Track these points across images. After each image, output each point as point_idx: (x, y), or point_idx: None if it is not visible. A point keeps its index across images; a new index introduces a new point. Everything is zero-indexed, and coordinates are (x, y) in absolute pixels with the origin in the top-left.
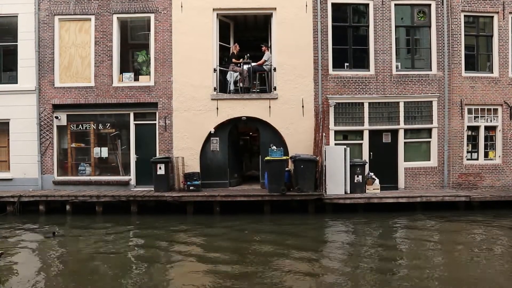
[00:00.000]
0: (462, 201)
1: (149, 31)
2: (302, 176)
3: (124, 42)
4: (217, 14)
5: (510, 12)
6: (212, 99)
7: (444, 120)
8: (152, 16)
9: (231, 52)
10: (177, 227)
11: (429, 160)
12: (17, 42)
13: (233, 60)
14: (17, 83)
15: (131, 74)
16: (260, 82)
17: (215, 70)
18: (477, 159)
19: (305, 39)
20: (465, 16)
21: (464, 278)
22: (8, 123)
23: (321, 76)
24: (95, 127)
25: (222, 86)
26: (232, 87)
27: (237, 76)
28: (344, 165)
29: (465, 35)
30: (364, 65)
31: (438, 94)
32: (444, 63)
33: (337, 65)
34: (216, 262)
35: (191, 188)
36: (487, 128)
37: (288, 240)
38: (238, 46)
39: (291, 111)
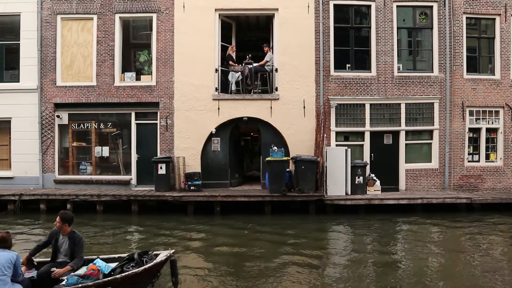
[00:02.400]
0: (463, 203)
1: (151, 30)
2: (303, 177)
3: (126, 42)
4: (219, 14)
5: None
6: (213, 99)
7: (445, 122)
8: (154, 15)
9: (227, 53)
10: (177, 226)
11: (430, 161)
12: (19, 40)
13: (230, 62)
14: (19, 81)
15: (133, 74)
16: (261, 83)
17: (216, 70)
18: (478, 161)
19: (307, 40)
20: (467, 18)
21: (460, 278)
22: (9, 121)
23: (322, 77)
24: (96, 126)
25: (224, 86)
26: (233, 87)
27: (238, 77)
28: (345, 166)
29: (467, 37)
30: (366, 67)
31: (440, 96)
32: (446, 64)
33: (339, 66)
34: (217, 255)
35: (191, 188)
36: (488, 130)
37: (288, 239)
38: (234, 47)
39: (292, 111)
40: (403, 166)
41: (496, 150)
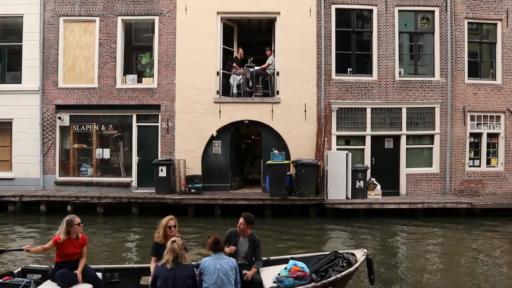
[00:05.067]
0: (464, 208)
1: (153, 33)
2: (303, 181)
3: (128, 44)
4: (221, 18)
5: None
6: (214, 102)
7: (446, 127)
8: (156, 18)
9: (234, 56)
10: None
11: (431, 166)
12: (21, 42)
13: (234, 64)
14: (21, 83)
15: (135, 76)
16: (263, 86)
17: (218, 73)
18: (479, 166)
19: (309, 44)
20: (468, 23)
21: (460, 282)
22: (11, 122)
23: (324, 80)
24: (97, 128)
25: (225, 89)
26: (235, 90)
27: (240, 80)
28: (345, 170)
29: (468, 41)
30: (367, 71)
31: (441, 101)
32: (447, 69)
33: (340, 70)
34: None
35: (192, 190)
36: (489, 135)
37: (288, 241)
38: (242, 51)
39: (293, 115)
40: (404, 171)
41: (497, 155)
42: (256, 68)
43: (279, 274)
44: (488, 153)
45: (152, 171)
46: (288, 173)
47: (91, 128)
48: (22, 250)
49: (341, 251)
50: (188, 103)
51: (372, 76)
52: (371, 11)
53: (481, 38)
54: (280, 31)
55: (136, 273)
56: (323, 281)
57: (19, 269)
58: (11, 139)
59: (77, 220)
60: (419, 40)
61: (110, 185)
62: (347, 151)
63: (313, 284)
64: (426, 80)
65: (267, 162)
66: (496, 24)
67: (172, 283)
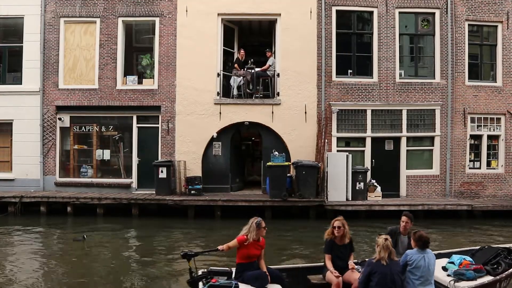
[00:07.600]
0: (464, 210)
1: (154, 34)
2: (303, 182)
3: (129, 45)
4: (222, 19)
5: None
6: (215, 103)
7: (446, 129)
8: (157, 20)
9: (235, 57)
10: (177, 231)
11: (431, 168)
12: (22, 43)
13: (235, 65)
14: (21, 84)
15: (135, 77)
16: (263, 88)
17: (218, 74)
18: (479, 168)
19: (309, 45)
20: (469, 25)
21: None
22: (11, 123)
23: (324, 82)
24: (98, 129)
25: (226, 90)
26: (235, 92)
27: (240, 81)
28: (346, 171)
29: (469, 44)
30: (368, 72)
31: (441, 103)
32: (448, 71)
33: (341, 71)
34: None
35: (192, 192)
36: (489, 137)
37: (288, 243)
38: (243, 52)
39: (294, 117)
40: (404, 172)
41: (497, 157)
42: (257, 69)
43: (445, 268)
44: (488, 155)
45: (152, 173)
46: (288, 174)
47: (92, 129)
48: (217, 250)
49: (495, 246)
50: (189, 104)
51: (372, 78)
52: (371, 13)
53: (481, 40)
54: (280, 33)
55: (302, 273)
56: (506, 272)
57: (204, 270)
58: (11, 140)
59: (263, 223)
60: (420, 42)
61: (110, 186)
62: (347, 153)
63: (500, 276)
64: (426, 82)
65: (267, 164)
66: (496, 26)
67: (389, 278)
